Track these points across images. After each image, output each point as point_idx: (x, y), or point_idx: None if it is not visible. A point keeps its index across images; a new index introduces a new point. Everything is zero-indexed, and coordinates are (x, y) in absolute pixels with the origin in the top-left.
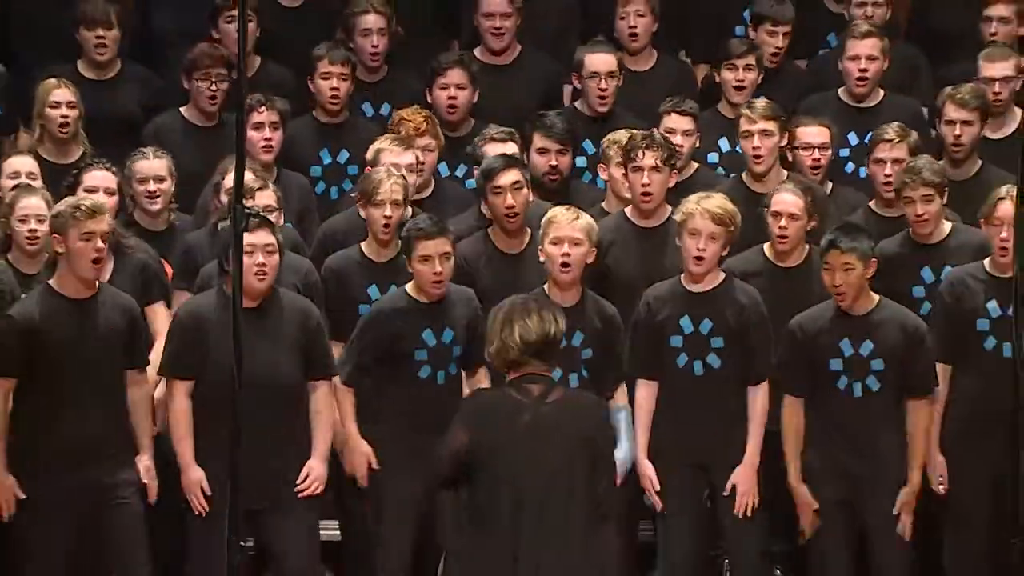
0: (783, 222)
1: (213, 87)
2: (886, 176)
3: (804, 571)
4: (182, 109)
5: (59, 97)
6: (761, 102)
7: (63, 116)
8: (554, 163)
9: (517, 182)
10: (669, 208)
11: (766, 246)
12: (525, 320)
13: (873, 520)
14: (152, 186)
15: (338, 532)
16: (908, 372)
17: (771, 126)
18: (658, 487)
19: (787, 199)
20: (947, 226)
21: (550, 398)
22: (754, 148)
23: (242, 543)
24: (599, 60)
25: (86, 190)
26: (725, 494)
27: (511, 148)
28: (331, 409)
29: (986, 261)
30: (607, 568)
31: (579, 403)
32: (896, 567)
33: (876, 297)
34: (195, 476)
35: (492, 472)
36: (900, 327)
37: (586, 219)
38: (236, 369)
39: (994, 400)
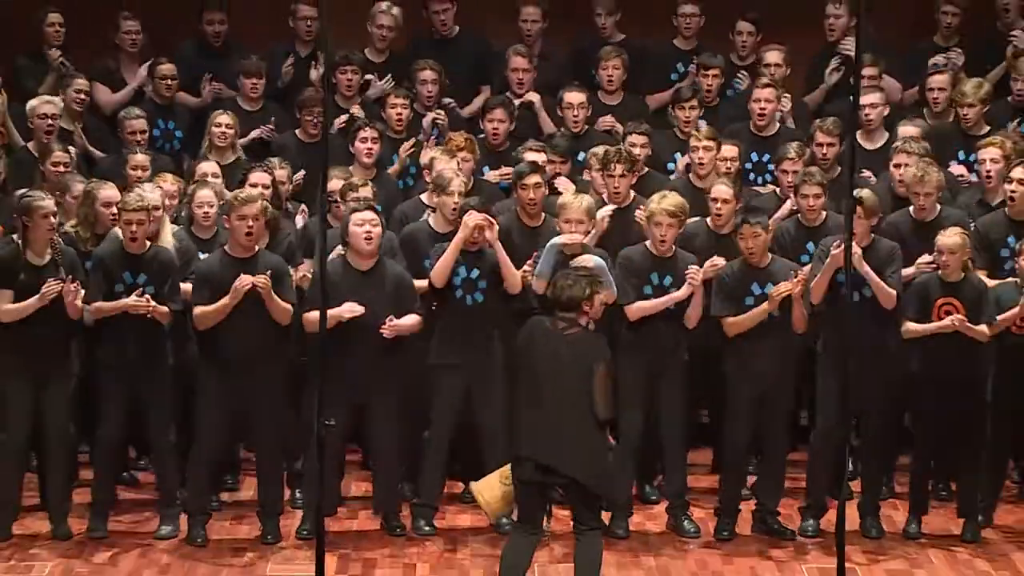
0: (719, 205)
1: (315, 118)
2: (789, 181)
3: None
4: (296, 131)
5: (221, 121)
6: (704, 127)
7: (222, 134)
8: (557, 171)
9: (538, 183)
10: (632, 194)
11: (708, 219)
12: (560, 287)
13: (776, 401)
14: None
15: None
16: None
17: (711, 144)
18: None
19: (722, 189)
20: (824, 214)
21: (569, 330)
22: (699, 158)
23: (327, 423)
24: (573, 97)
25: (251, 184)
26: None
27: (541, 156)
28: (413, 323)
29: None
30: (592, 451)
31: (585, 340)
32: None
33: (771, 256)
34: (345, 307)
35: (531, 364)
36: (788, 274)
37: (589, 201)
38: (322, 314)
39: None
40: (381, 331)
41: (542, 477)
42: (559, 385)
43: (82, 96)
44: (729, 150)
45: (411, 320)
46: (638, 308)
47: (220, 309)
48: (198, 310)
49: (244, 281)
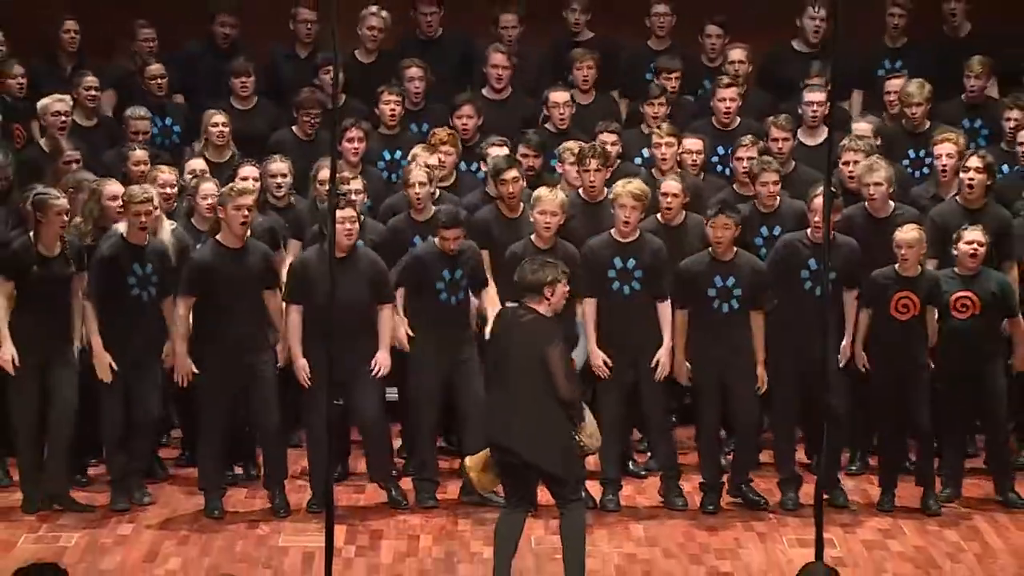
0: (669, 199)
1: (310, 117)
2: (744, 168)
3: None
4: (293, 128)
5: (217, 120)
6: (666, 125)
7: (219, 133)
8: (531, 164)
9: (516, 177)
10: (606, 190)
11: (658, 214)
12: (522, 272)
13: (735, 386)
14: (279, 179)
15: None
16: (755, 296)
17: (672, 140)
18: (605, 366)
19: (672, 184)
20: (779, 200)
21: (525, 317)
22: (662, 154)
23: (335, 401)
24: (558, 96)
25: (241, 178)
26: (652, 365)
27: (504, 150)
28: (391, 322)
29: (808, 231)
30: (550, 436)
31: (534, 325)
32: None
33: (736, 249)
34: (301, 363)
35: (495, 352)
36: (751, 269)
37: (561, 196)
38: (331, 296)
39: (805, 319)
40: (372, 373)
41: (507, 458)
42: (514, 369)
43: (92, 93)
44: (694, 143)
45: (387, 318)
46: (589, 306)
47: (178, 339)
48: (182, 304)
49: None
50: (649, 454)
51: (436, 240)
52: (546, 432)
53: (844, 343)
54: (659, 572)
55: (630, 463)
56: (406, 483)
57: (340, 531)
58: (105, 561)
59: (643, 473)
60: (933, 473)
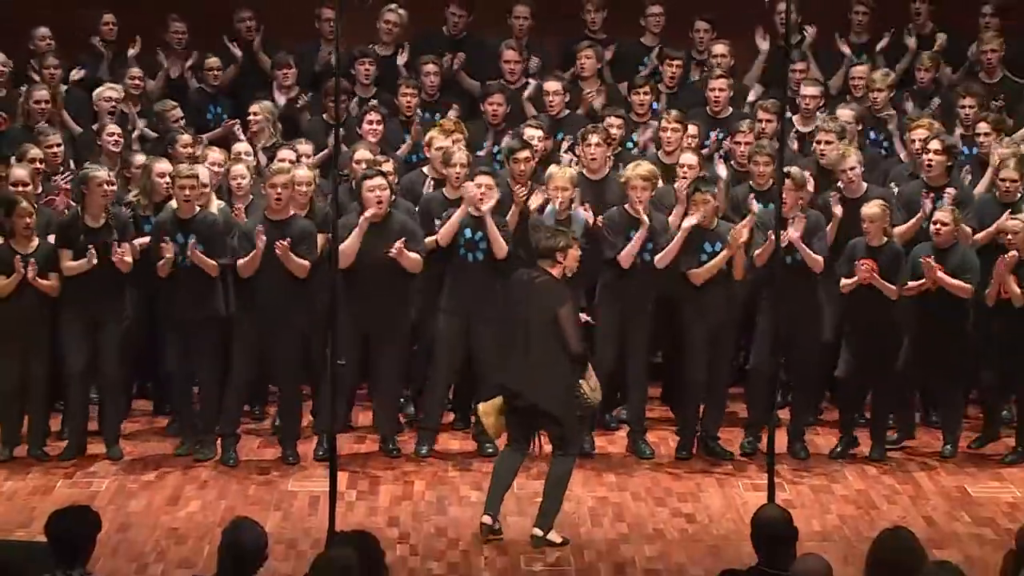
0: (685, 170)
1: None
2: (741, 151)
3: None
4: (324, 115)
5: (256, 109)
6: (674, 112)
7: (257, 120)
8: (543, 146)
9: (527, 157)
10: (607, 168)
11: (676, 184)
12: (540, 237)
13: (713, 347)
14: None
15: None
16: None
17: (678, 125)
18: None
19: (690, 157)
20: (771, 180)
21: (539, 279)
22: (668, 138)
23: (339, 362)
24: (551, 85)
25: (279, 159)
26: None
27: (540, 132)
28: (415, 259)
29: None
30: (557, 385)
31: (546, 285)
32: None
33: (718, 220)
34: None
35: (512, 310)
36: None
37: (571, 172)
38: (333, 255)
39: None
40: (388, 251)
41: (517, 402)
42: (531, 327)
43: (137, 83)
44: (692, 129)
45: (414, 256)
46: (627, 255)
47: (253, 257)
48: (241, 261)
49: (278, 248)
50: (621, 408)
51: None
52: (553, 380)
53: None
54: (628, 514)
55: (607, 415)
56: (402, 435)
57: (343, 477)
58: (132, 504)
59: (614, 425)
60: (886, 426)
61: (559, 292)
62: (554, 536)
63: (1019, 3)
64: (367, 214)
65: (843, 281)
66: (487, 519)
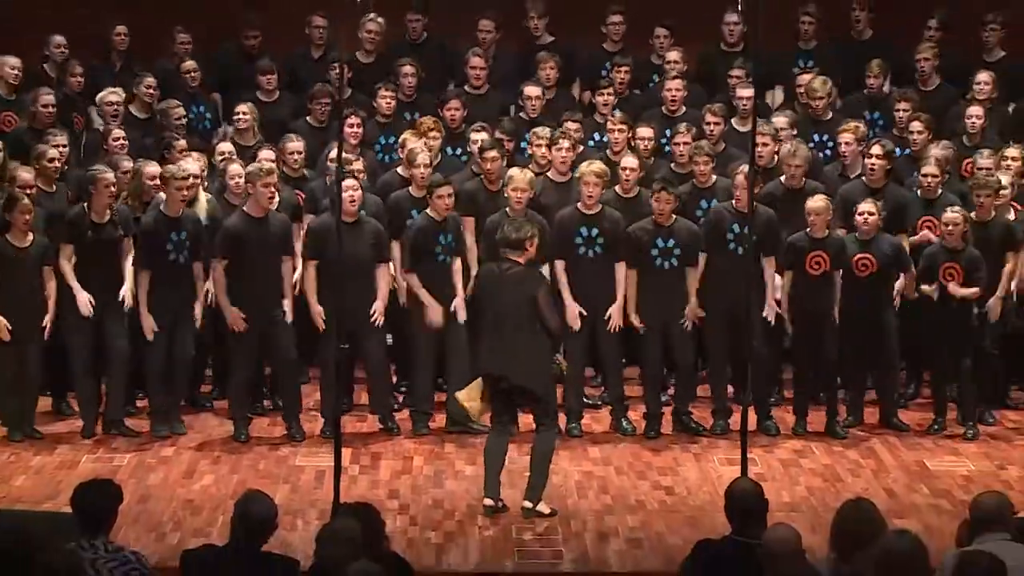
0: (627, 173)
1: (321, 107)
2: (680, 152)
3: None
4: (308, 117)
5: (244, 110)
6: (619, 113)
7: (246, 120)
8: (506, 147)
9: (495, 156)
10: (569, 172)
11: (616, 187)
12: (504, 232)
13: (675, 331)
14: (295, 156)
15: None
16: (690, 255)
17: (623, 126)
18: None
19: (630, 160)
20: (713, 177)
21: (511, 270)
22: (614, 138)
23: (342, 346)
24: (531, 90)
25: (262, 158)
26: (605, 318)
27: (484, 135)
28: (388, 277)
29: (733, 201)
30: (539, 365)
31: (523, 274)
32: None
33: (675, 217)
34: (317, 310)
35: (485, 301)
36: (687, 232)
37: (530, 175)
38: (339, 253)
39: (731, 274)
40: (372, 320)
41: (502, 385)
42: (507, 314)
43: (150, 91)
44: (646, 131)
45: (385, 288)
46: (559, 267)
47: (221, 294)
48: (218, 265)
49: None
50: (603, 388)
51: (429, 210)
52: (535, 361)
53: (768, 301)
54: (612, 486)
55: (585, 397)
56: (401, 415)
57: (346, 453)
58: (151, 477)
59: (597, 404)
60: (838, 403)
61: (534, 278)
62: (543, 507)
63: (960, 20)
64: None
65: (788, 274)
66: (489, 502)
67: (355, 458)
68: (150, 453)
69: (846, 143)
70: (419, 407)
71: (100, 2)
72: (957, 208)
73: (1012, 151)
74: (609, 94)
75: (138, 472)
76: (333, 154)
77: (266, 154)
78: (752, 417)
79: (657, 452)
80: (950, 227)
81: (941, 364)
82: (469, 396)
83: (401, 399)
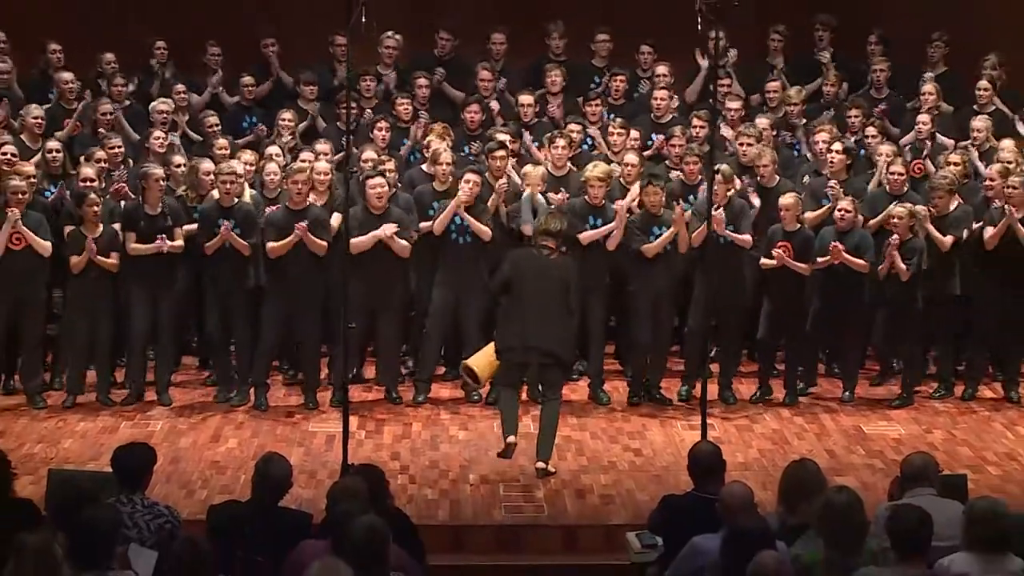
0: (629, 168)
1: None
2: (675, 152)
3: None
4: (338, 123)
5: (286, 116)
6: (619, 120)
7: (286, 126)
8: (512, 148)
9: (503, 155)
10: (568, 165)
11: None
12: (545, 223)
13: (659, 312)
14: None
15: None
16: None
17: (623, 130)
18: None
19: (632, 157)
20: (700, 176)
21: (550, 256)
22: (614, 140)
23: (350, 325)
24: (525, 98)
25: (301, 160)
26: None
27: (507, 136)
28: (403, 245)
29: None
30: (568, 338)
31: (562, 261)
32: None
33: (663, 209)
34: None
35: (523, 280)
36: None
37: (542, 170)
38: (346, 240)
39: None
40: (383, 229)
41: (535, 357)
42: (547, 292)
43: (182, 96)
44: (634, 134)
45: (402, 243)
46: (586, 236)
47: (285, 245)
48: (270, 245)
49: (298, 229)
50: (582, 362)
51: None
52: (567, 334)
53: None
54: (587, 449)
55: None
56: (404, 387)
57: (354, 420)
58: (182, 441)
59: (575, 376)
60: (796, 377)
61: (570, 266)
62: (551, 467)
63: (895, 37)
64: (386, 230)
65: (763, 260)
66: (511, 439)
67: (362, 424)
68: (181, 419)
69: (822, 141)
70: (422, 375)
71: (142, 21)
72: (907, 204)
73: (954, 156)
74: (598, 104)
75: (171, 436)
76: (365, 155)
77: (305, 155)
78: (713, 387)
79: (628, 419)
80: (895, 219)
81: (885, 338)
82: (480, 364)
83: (405, 372)
